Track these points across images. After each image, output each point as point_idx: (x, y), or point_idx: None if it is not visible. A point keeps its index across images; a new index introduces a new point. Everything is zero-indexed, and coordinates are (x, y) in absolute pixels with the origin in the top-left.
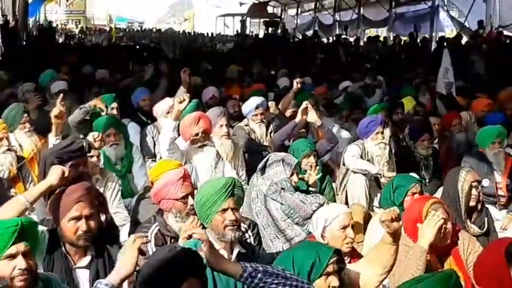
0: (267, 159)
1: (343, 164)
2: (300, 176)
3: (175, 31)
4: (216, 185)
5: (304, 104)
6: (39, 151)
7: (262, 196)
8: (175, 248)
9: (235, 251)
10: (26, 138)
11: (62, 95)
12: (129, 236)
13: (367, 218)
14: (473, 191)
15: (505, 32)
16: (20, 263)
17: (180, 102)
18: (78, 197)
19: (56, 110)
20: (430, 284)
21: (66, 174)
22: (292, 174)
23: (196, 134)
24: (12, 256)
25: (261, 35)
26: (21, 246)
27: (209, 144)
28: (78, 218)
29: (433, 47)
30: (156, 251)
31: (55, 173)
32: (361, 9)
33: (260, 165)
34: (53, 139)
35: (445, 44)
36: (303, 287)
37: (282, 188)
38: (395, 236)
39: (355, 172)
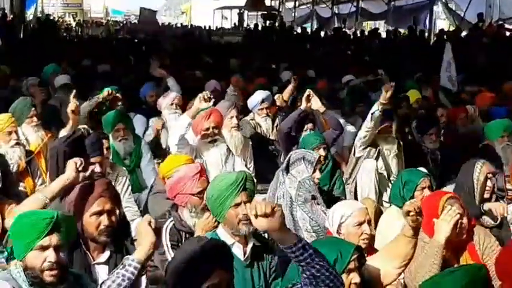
0: (289, 158)
1: (354, 154)
2: None
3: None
4: (228, 180)
5: (307, 91)
6: (46, 145)
7: (289, 199)
8: (204, 240)
9: (250, 244)
10: (33, 132)
11: (74, 91)
12: None
13: (378, 212)
14: (488, 183)
15: (506, 25)
16: (51, 255)
17: (205, 101)
18: (100, 192)
19: (73, 104)
20: (460, 276)
21: (78, 164)
22: (314, 171)
23: (207, 129)
24: (44, 248)
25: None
26: (54, 239)
27: (220, 140)
28: (100, 213)
29: (431, 40)
30: (185, 242)
31: (70, 167)
32: (360, 1)
33: (284, 164)
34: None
35: (444, 37)
36: (339, 281)
37: (313, 197)
38: (416, 229)
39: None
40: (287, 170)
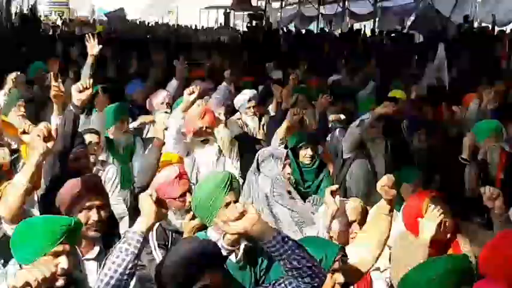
0: (257, 157)
1: (341, 155)
2: None
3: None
4: (214, 181)
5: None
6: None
7: (265, 198)
8: (196, 240)
9: (242, 245)
10: (17, 119)
11: (52, 73)
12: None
13: (364, 212)
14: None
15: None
16: (64, 262)
17: (190, 94)
18: (89, 187)
19: (55, 89)
20: (443, 263)
21: (42, 135)
22: (284, 167)
23: (201, 128)
24: (58, 254)
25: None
26: (67, 246)
27: (212, 140)
28: (89, 208)
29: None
30: (176, 243)
31: (37, 143)
32: (346, 2)
33: (254, 164)
34: (56, 119)
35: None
36: (321, 272)
37: (288, 192)
38: (391, 204)
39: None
40: (258, 168)
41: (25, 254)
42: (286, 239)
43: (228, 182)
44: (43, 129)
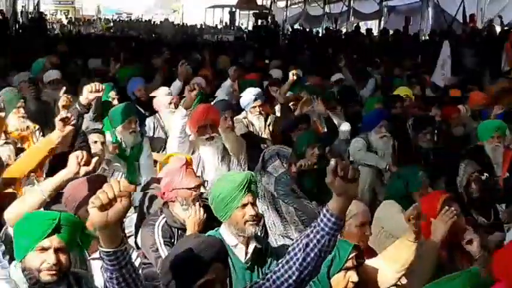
0: (263, 156)
1: (348, 157)
2: None
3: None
4: (235, 181)
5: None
6: (32, 134)
7: (270, 196)
8: (201, 236)
9: (252, 246)
10: (17, 122)
11: (64, 88)
12: (135, 228)
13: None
14: (473, 184)
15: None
16: (50, 257)
17: (191, 91)
18: (97, 188)
19: (64, 99)
20: (461, 281)
21: (80, 158)
22: (290, 165)
23: (204, 126)
24: (44, 249)
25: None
26: (55, 241)
27: (217, 137)
28: None
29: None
30: (182, 239)
31: (72, 161)
32: (351, 1)
33: (259, 164)
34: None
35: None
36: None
37: (293, 190)
38: (418, 233)
39: (361, 165)
40: (263, 167)
41: (18, 249)
42: None
43: (248, 183)
44: (83, 156)
